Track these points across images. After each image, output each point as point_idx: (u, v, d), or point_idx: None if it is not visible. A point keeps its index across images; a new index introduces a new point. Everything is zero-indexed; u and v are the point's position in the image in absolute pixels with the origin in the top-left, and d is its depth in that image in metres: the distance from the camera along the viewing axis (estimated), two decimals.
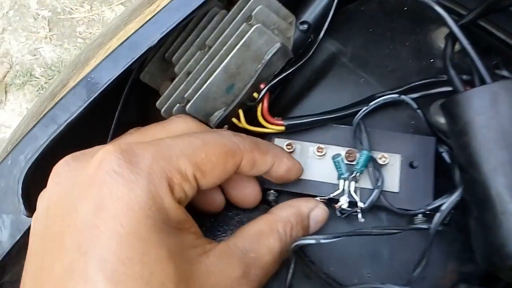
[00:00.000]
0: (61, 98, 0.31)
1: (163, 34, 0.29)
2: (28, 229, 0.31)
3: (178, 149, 0.25)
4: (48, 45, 1.61)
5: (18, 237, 0.31)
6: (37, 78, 1.56)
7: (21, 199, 0.30)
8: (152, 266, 0.22)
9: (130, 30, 0.35)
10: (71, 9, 1.65)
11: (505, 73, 0.36)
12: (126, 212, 0.22)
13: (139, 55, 0.29)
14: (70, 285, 0.21)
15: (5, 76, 1.58)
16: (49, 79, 1.54)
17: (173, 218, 0.24)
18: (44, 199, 0.27)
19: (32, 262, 0.25)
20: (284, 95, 0.39)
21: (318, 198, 0.34)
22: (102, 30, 0.53)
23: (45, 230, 0.25)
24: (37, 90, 1.55)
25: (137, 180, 0.23)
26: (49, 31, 1.63)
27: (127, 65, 0.29)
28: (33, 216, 0.27)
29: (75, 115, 0.30)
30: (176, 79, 0.35)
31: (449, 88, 0.35)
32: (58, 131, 0.29)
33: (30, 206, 0.31)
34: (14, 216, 0.32)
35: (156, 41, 0.29)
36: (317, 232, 0.32)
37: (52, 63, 1.58)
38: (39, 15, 1.64)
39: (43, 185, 0.28)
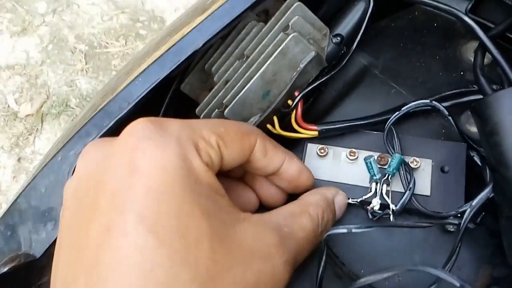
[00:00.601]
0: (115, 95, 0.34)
1: (207, 39, 0.31)
2: None
3: (199, 123, 0.27)
4: (84, 77, 1.68)
5: None
6: (72, 108, 1.63)
7: None
8: (187, 221, 0.23)
9: (155, 57, 0.38)
10: (107, 43, 1.73)
11: None
12: (160, 171, 0.23)
13: (183, 58, 0.32)
14: (110, 242, 0.22)
15: (41, 106, 1.65)
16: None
17: (204, 180, 0.25)
18: (71, 181, 0.27)
19: (65, 235, 0.25)
20: (316, 105, 0.40)
21: (350, 200, 0.35)
22: (130, 59, 0.56)
23: (77, 203, 0.25)
24: (72, 120, 1.61)
25: (168, 143, 0.24)
26: (86, 64, 1.70)
27: (173, 67, 0.31)
28: (63, 201, 0.27)
29: (124, 112, 0.32)
30: (216, 87, 0.38)
31: (480, 96, 0.36)
32: (109, 125, 0.31)
33: None
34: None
35: (200, 45, 0.31)
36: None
37: (87, 94, 1.64)
38: (76, 48, 1.73)
39: None
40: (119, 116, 0.32)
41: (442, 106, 0.35)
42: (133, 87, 0.33)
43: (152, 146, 0.24)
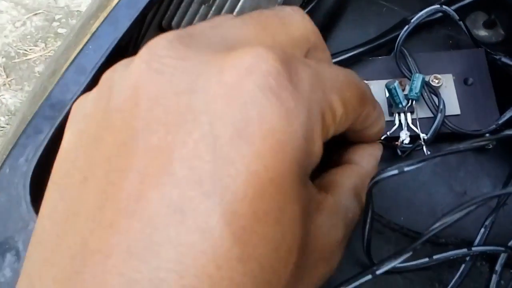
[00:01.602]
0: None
1: None
2: None
3: (333, 78, 0.18)
4: (8, 92, 1.53)
5: None
6: (3, 127, 1.48)
7: (31, 208, 0.25)
8: (285, 228, 0.16)
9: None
10: (26, 50, 1.58)
11: None
12: (276, 151, 0.15)
13: (143, 5, 0.24)
14: (178, 233, 0.14)
15: None
16: None
17: (312, 166, 0.18)
18: (131, 96, 0.16)
19: (103, 182, 0.16)
20: None
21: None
22: (52, 57, 0.48)
23: (134, 135, 0.16)
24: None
25: (297, 110, 0.16)
26: (7, 77, 1.55)
27: (132, 19, 0.24)
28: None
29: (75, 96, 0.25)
30: None
31: None
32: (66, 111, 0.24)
33: None
34: (25, 234, 0.26)
35: None
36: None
37: (16, 108, 1.50)
38: None
39: None
40: (77, 94, 0.24)
41: (450, 8, 0.30)
42: (85, 57, 0.25)
43: (276, 108, 0.15)
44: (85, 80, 0.25)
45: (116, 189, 0.15)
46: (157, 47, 0.16)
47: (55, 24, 1.62)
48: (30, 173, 0.25)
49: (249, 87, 0.15)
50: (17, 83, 1.53)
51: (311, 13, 0.32)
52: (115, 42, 0.25)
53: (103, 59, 0.24)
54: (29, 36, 1.59)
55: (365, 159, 0.24)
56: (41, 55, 1.56)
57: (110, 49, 0.25)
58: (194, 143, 0.15)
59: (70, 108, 0.25)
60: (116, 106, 0.17)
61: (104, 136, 0.17)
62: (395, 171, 0.23)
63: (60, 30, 1.61)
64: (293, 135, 0.16)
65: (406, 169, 0.23)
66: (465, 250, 0.27)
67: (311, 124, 0.16)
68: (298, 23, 0.20)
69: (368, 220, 0.25)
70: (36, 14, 1.64)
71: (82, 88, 0.25)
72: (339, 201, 0.21)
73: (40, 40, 1.59)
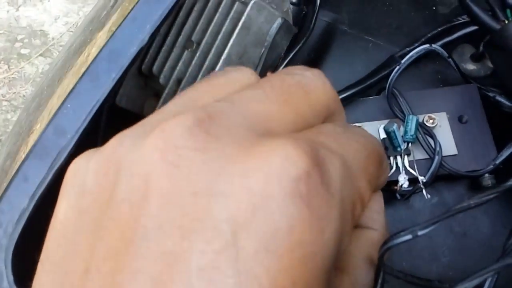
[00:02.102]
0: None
1: (153, 29, 0.23)
2: None
3: (355, 162, 0.16)
4: None
5: None
6: None
7: (14, 286, 0.23)
8: None
9: (68, 85, 0.29)
10: None
11: None
12: (305, 263, 0.14)
13: (127, 62, 0.23)
14: None
15: None
16: None
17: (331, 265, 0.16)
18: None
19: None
20: None
21: None
22: (32, 93, 0.46)
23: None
24: None
25: (330, 216, 0.14)
26: None
27: (115, 80, 0.23)
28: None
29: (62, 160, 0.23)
30: (165, 91, 0.29)
31: (471, 29, 0.32)
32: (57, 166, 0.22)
33: None
34: None
35: (147, 38, 0.23)
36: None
37: None
38: None
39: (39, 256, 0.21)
40: (56, 154, 0.23)
41: (439, 46, 0.30)
42: (63, 117, 0.23)
43: (309, 216, 0.14)
44: (67, 143, 0.24)
45: None
46: (174, 135, 0.14)
47: (17, 44, 1.57)
48: (12, 248, 0.23)
49: (277, 195, 0.14)
50: None
51: (298, 51, 0.31)
52: (98, 104, 0.23)
53: (85, 124, 0.23)
54: None
55: (376, 221, 0.23)
56: (4, 77, 1.50)
57: (93, 112, 0.23)
58: (214, 254, 0.13)
59: (56, 177, 0.23)
60: (123, 195, 0.15)
61: (109, 227, 0.15)
62: (409, 236, 0.22)
63: (23, 51, 1.55)
64: (325, 244, 0.14)
65: (419, 233, 0.22)
66: None
67: (344, 225, 0.15)
68: (320, 91, 0.18)
69: (379, 285, 0.24)
70: None
71: (60, 153, 0.23)
72: (355, 281, 0.19)
73: (2, 62, 1.53)
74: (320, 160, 0.14)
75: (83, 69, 0.28)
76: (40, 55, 1.55)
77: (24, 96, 1.47)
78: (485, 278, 0.21)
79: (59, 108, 0.24)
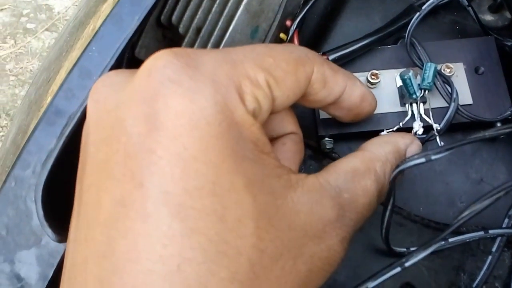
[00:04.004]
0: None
1: None
2: (62, 259, 0.24)
3: (240, 54, 0.20)
4: None
5: (51, 274, 0.24)
6: None
7: (45, 224, 0.23)
8: (225, 198, 0.17)
9: (76, 57, 0.30)
10: None
11: None
12: (189, 130, 0.17)
13: (150, 6, 0.23)
14: (124, 223, 0.17)
15: None
16: None
17: (249, 137, 0.19)
18: (86, 124, 0.21)
19: (77, 199, 0.20)
20: (305, 34, 0.33)
21: (385, 131, 0.29)
22: (40, 68, 0.47)
23: (87, 159, 0.20)
24: None
25: (200, 88, 0.18)
26: None
27: (138, 23, 0.23)
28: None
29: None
30: (185, 40, 0.29)
31: None
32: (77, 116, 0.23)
33: (59, 228, 0.24)
34: (39, 249, 0.24)
35: None
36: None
37: None
38: None
39: (69, 194, 0.22)
40: (84, 101, 0.23)
41: None
42: (89, 60, 0.24)
43: (179, 93, 0.18)
44: (91, 84, 0.24)
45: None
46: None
47: (23, 19, 1.56)
48: (41, 186, 0.23)
49: (153, 85, 0.18)
50: None
51: (315, 2, 0.31)
52: (123, 44, 0.23)
53: (112, 62, 0.23)
54: None
55: (375, 145, 0.25)
56: (11, 52, 1.50)
57: (119, 51, 0.23)
58: (128, 155, 0.18)
59: (80, 117, 0.23)
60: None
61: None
62: (422, 159, 0.22)
63: (29, 26, 1.55)
64: (203, 111, 0.17)
65: (433, 157, 0.22)
66: (481, 233, 0.26)
67: (221, 94, 0.18)
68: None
69: (389, 208, 0.24)
70: (2, 9, 1.57)
71: (87, 95, 0.24)
72: (325, 181, 0.21)
73: (9, 37, 1.52)
74: (189, 53, 0.19)
75: (89, 41, 0.28)
76: (46, 29, 1.54)
77: (31, 70, 1.47)
78: (495, 198, 0.22)
79: (84, 50, 0.25)
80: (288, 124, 0.25)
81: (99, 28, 0.24)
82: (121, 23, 0.24)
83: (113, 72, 0.21)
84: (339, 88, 0.24)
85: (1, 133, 1.40)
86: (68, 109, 0.24)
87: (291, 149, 0.25)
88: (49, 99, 0.34)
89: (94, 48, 0.24)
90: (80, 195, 0.20)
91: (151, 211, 0.16)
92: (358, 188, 0.22)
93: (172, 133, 0.17)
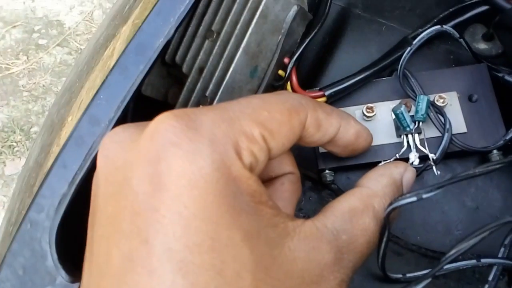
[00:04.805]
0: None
1: (177, 22, 0.24)
2: None
3: (237, 110, 0.22)
4: None
5: None
6: None
7: (59, 265, 0.25)
8: (223, 253, 0.19)
9: (96, 78, 0.31)
10: (8, 64, 1.55)
11: None
12: (189, 190, 0.19)
13: (155, 56, 0.24)
14: (132, 277, 0.18)
15: None
16: (4, 142, 1.44)
17: (246, 190, 0.20)
18: (95, 176, 0.23)
19: (88, 247, 0.22)
20: (302, 68, 0.35)
21: (383, 162, 0.30)
22: (62, 87, 0.49)
23: (97, 211, 0.21)
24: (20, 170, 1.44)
25: (199, 149, 0.19)
26: None
27: (144, 72, 0.24)
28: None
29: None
30: (189, 80, 0.31)
31: (483, 9, 0.32)
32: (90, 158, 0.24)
33: (72, 268, 0.25)
34: None
35: (173, 30, 0.24)
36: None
37: (4, 124, 1.48)
38: None
39: (81, 236, 0.23)
40: (95, 148, 0.24)
41: (450, 27, 0.31)
42: (97, 108, 0.25)
43: (179, 155, 0.19)
44: (100, 131, 0.25)
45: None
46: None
47: (35, 35, 1.59)
48: (55, 230, 0.25)
49: (156, 148, 0.19)
50: (2, 98, 1.51)
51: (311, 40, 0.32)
52: (130, 93, 0.25)
53: (117, 114, 0.24)
54: (9, 50, 1.57)
55: (372, 180, 0.26)
56: (24, 68, 1.54)
57: (126, 99, 0.25)
58: (135, 213, 0.19)
59: (90, 165, 0.25)
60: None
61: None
62: (414, 198, 0.23)
63: (40, 41, 1.58)
64: (202, 171, 0.19)
65: (424, 196, 0.24)
66: (474, 261, 0.27)
67: (219, 153, 0.20)
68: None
69: (384, 241, 0.25)
70: (14, 26, 1.61)
71: (96, 141, 0.25)
72: (322, 225, 0.22)
73: (21, 53, 1.56)
74: (188, 114, 0.20)
75: (109, 63, 0.30)
76: (58, 45, 1.57)
77: (43, 86, 1.50)
78: (480, 238, 0.23)
79: (93, 99, 0.26)
80: (286, 165, 0.26)
81: (106, 77, 0.26)
82: (127, 72, 0.26)
83: (121, 128, 0.22)
84: (333, 129, 0.25)
85: (16, 149, 1.43)
86: (79, 155, 0.25)
87: (289, 188, 0.26)
88: (70, 118, 0.35)
89: (102, 96, 0.26)
90: (92, 244, 0.21)
91: (156, 267, 0.18)
92: (356, 228, 0.23)
93: (174, 193, 0.19)
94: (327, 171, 0.31)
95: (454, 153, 0.30)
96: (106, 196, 0.21)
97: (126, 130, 0.22)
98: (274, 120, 0.22)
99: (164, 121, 0.20)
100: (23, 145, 1.47)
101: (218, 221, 0.19)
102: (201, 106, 0.30)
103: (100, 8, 1.62)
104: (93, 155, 0.25)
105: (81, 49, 1.54)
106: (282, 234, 0.21)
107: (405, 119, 0.29)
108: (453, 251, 0.23)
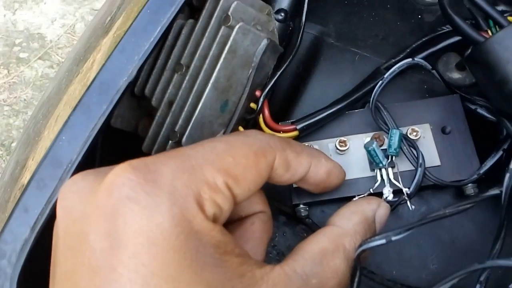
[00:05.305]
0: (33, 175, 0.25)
1: (141, 61, 0.24)
2: None
3: (200, 157, 0.21)
4: None
5: None
6: None
7: None
8: None
9: (75, 90, 0.30)
10: None
11: (502, 7, 0.33)
12: (147, 247, 0.18)
13: (118, 96, 0.24)
14: None
15: None
16: None
17: (209, 242, 0.20)
18: (55, 227, 0.22)
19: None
20: (276, 98, 0.34)
21: (357, 197, 0.29)
22: (39, 101, 0.48)
23: (56, 264, 0.21)
24: None
25: (157, 204, 0.19)
26: None
27: (106, 112, 0.24)
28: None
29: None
30: (158, 113, 0.30)
31: (455, 39, 0.32)
32: (41, 222, 0.23)
33: None
34: None
35: (134, 72, 0.24)
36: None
37: None
38: None
39: (43, 283, 0.22)
40: (55, 193, 0.24)
41: (421, 59, 0.31)
42: (59, 150, 0.25)
43: (136, 211, 0.19)
44: (62, 174, 0.25)
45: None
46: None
47: (16, 48, 1.57)
48: (17, 277, 0.24)
49: (113, 203, 0.19)
50: None
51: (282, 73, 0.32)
52: (93, 133, 0.24)
53: (80, 156, 0.24)
54: None
55: (343, 219, 0.25)
56: (4, 82, 1.51)
57: (89, 140, 0.24)
58: (92, 270, 0.19)
59: (51, 211, 0.24)
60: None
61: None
62: (383, 241, 0.23)
63: (22, 55, 1.56)
64: (160, 227, 0.18)
65: (393, 238, 0.23)
66: None
67: (179, 208, 0.19)
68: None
69: (355, 283, 0.25)
70: None
71: (58, 184, 0.24)
72: (291, 271, 0.22)
73: (2, 67, 1.54)
74: (148, 165, 0.20)
75: (88, 75, 0.29)
76: (39, 58, 1.55)
77: (25, 100, 1.48)
78: (449, 284, 0.23)
79: (55, 140, 0.25)
80: (256, 204, 0.26)
81: (68, 117, 0.25)
82: (89, 112, 0.25)
83: (80, 176, 0.21)
84: (303, 168, 0.25)
85: None
86: (41, 199, 0.24)
87: (259, 228, 0.25)
88: (46, 132, 0.34)
89: (64, 137, 0.25)
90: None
91: None
92: (327, 271, 0.23)
93: (131, 251, 0.18)
94: (301, 206, 0.30)
95: (429, 186, 0.30)
96: (65, 248, 0.20)
97: (85, 178, 0.21)
98: (239, 165, 0.21)
99: (121, 174, 0.19)
100: (4, 160, 1.44)
101: (179, 278, 0.18)
102: (170, 141, 0.29)
103: (82, 21, 1.60)
104: (55, 199, 0.24)
105: (63, 62, 1.52)
106: (250, 284, 0.20)
107: (377, 155, 0.28)
108: None
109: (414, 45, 0.33)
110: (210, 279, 0.19)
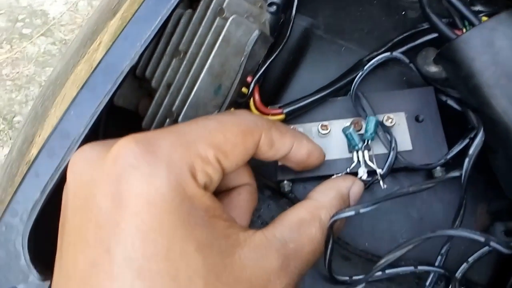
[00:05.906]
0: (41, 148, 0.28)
1: (143, 48, 0.26)
2: None
3: (194, 134, 0.24)
4: None
5: None
6: None
7: (31, 265, 0.27)
8: (177, 262, 0.21)
9: (81, 71, 0.33)
10: None
11: (479, 8, 0.36)
12: (147, 208, 0.21)
13: (121, 78, 0.27)
14: (96, 282, 0.21)
15: None
16: None
17: (200, 206, 0.23)
18: (65, 189, 0.25)
19: (58, 252, 0.25)
20: (267, 84, 0.37)
21: (335, 176, 0.32)
22: (48, 79, 0.51)
23: (66, 220, 0.24)
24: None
25: (156, 172, 0.22)
26: None
27: (111, 91, 0.26)
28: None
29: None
30: (157, 94, 0.33)
31: (433, 35, 0.35)
32: (51, 184, 0.26)
33: (43, 268, 0.27)
34: (26, 285, 0.28)
35: (136, 58, 0.26)
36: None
37: None
38: None
39: (51, 239, 0.25)
40: (65, 160, 0.27)
41: (400, 54, 0.33)
42: (68, 123, 0.28)
43: (138, 176, 0.22)
44: (70, 144, 0.28)
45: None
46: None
47: (19, 24, 1.59)
48: (27, 233, 0.27)
49: (117, 170, 0.22)
50: None
51: (276, 57, 0.35)
52: (99, 109, 0.27)
53: (86, 129, 0.27)
54: None
55: (320, 193, 0.29)
56: (7, 57, 1.54)
57: (93, 119, 0.27)
58: (99, 225, 0.22)
59: (60, 176, 0.27)
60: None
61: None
62: (352, 212, 0.27)
63: (24, 31, 1.58)
64: (158, 191, 0.22)
65: (361, 210, 0.27)
66: (411, 268, 0.30)
67: (175, 175, 0.22)
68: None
69: (329, 250, 0.28)
70: None
71: (66, 153, 0.27)
72: (271, 235, 0.25)
73: (5, 42, 1.56)
74: (148, 139, 0.23)
75: (94, 56, 0.31)
76: (42, 34, 1.57)
77: (27, 75, 1.51)
78: (406, 250, 0.26)
79: (64, 114, 0.28)
80: (243, 177, 0.29)
81: (77, 94, 0.28)
82: (95, 91, 0.28)
83: (89, 146, 0.24)
84: (286, 148, 0.28)
85: None
86: (51, 166, 0.27)
87: (245, 198, 0.29)
88: (53, 110, 0.37)
89: (72, 112, 0.28)
90: (61, 250, 0.24)
91: (117, 273, 0.21)
92: (303, 238, 0.26)
93: (133, 210, 0.21)
94: (285, 182, 0.33)
95: (402, 168, 0.33)
96: (74, 208, 0.23)
97: (94, 148, 0.24)
98: (228, 142, 0.24)
99: (125, 145, 0.22)
100: (6, 134, 1.47)
101: (173, 234, 0.21)
102: (167, 120, 0.32)
103: None
104: (63, 166, 0.27)
105: (65, 39, 1.54)
106: (234, 244, 0.24)
107: (353, 138, 0.31)
108: (382, 260, 0.26)
109: (395, 40, 0.36)
110: (199, 237, 0.22)
